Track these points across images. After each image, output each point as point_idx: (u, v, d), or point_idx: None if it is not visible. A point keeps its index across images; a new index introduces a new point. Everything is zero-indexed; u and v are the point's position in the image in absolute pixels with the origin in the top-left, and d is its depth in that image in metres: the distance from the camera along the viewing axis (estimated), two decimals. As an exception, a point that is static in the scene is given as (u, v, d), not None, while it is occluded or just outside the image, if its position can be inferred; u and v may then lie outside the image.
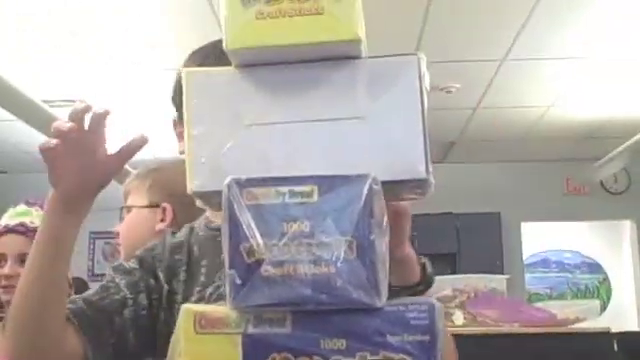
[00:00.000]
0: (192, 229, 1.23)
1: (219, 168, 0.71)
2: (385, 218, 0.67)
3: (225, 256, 0.65)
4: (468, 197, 6.70)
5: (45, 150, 0.88)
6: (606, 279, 8.22)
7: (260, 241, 0.64)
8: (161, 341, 1.10)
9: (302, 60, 0.71)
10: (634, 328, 7.10)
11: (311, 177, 0.65)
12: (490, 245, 6.72)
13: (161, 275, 1.16)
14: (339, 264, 0.63)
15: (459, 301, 2.33)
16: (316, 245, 0.64)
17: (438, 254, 5.36)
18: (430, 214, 5.87)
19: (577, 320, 2.03)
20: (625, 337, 4.29)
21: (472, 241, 6.60)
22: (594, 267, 8.25)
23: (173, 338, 0.69)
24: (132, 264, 1.16)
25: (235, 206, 0.65)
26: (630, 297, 7.72)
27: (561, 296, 8.24)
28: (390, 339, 0.65)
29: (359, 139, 0.70)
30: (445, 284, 2.26)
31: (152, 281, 1.15)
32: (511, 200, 6.88)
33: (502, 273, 6.64)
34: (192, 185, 0.72)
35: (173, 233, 1.24)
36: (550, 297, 8.25)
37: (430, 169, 0.70)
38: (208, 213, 1.23)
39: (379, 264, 0.64)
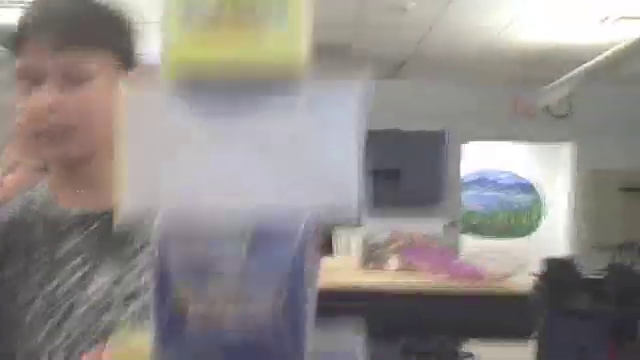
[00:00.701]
0: (30, 202, 1.16)
1: (149, 193, 0.67)
2: (316, 266, 0.65)
3: (152, 303, 0.62)
4: (415, 115, 6.74)
5: None
6: (538, 201, 8.49)
7: (187, 294, 0.61)
8: None
9: (241, 82, 0.66)
10: (563, 252, 7.37)
11: (242, 232, 0.62)
12: (433, 163, 6.82)
13: None
14: (266, 319, 0.61)
15: (396, 246, 2.36)
16: (243, 300, 0.61)
17: (382, 170, 5.43)
18: (377, 130, 5.88)
19: (504, 276, 2.08)
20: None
21: (416, 158, 6.69)
22: (527, 188, 8.51)
23: None
24: None
25: (165, 258, 0.62)
26: (562, 218, 7.99)
27: (494, 215, 8.52)
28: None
29: (293, 171, 0.66)
30: (384, 230, 2.29)
31: None
32: (457, 120, 6.95)
33: (442, 190, 6.81)
34: (122, 205, 0.68)
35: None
36: (484, 215, 8.51)
37: (362, 210, 0.67)
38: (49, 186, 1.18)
39: (307, 321, 0.62)
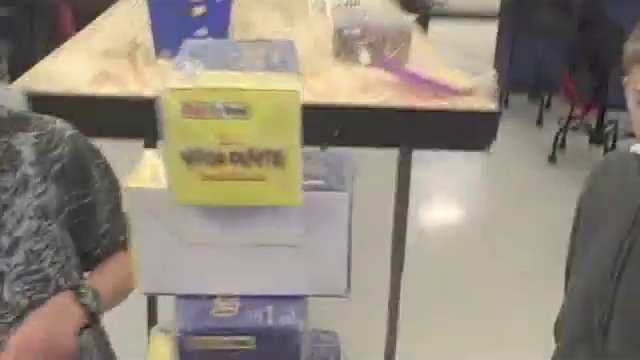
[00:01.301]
0: None
1: (162, 279, 0.78)
2: (309, 343, 0.78)
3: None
4: None
5: None
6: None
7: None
8: None
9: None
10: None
11: (251, 328, 0.75)
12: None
13: None
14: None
15: (368, 42, 2.40)
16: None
17: None
18: None
19: (469, 92, 2.16)
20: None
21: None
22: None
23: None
24: None
25: (185, 350, 0.75)
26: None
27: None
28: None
29: (291, 264, 0.78)
30: (353, 22, 2.31)
31: None
32: None
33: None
34: (140, 286, 0.80)
35: None
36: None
37: (349, 286, 0.80)
38: None
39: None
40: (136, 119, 2.16)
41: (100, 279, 1.34)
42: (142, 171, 0.80)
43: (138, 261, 0.79)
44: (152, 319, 2.68)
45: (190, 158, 0.70)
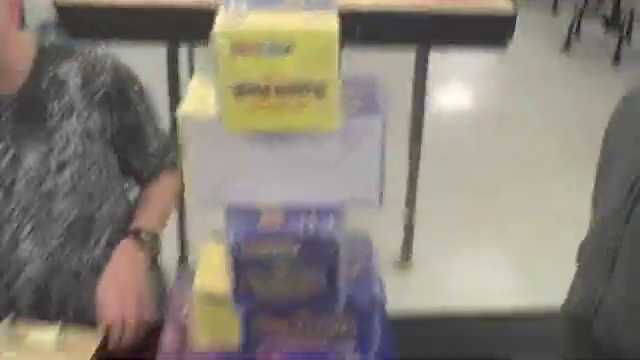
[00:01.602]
0: None
1: (219, 195, 0.89)
2: (345, 249, 0.89)
3: (229, 283, 0.88)
4: None
5: None
6: None
7: (254, 277, 0.87)
8: None
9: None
10: None
11: (295, 237, 0.85)
12: None
13: None
14: (311, 291, 0.88)
15: None
16: (295, 280, 0.87)
17: None
18: None
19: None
20: None
21: None
22: None
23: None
24: None
25: (238, 256, 0.86)
26: None
27: None
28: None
29: (330, 180, 0.88)
30: None
31: None
32: None
33: None
34: (197, 200, 0.90)
35: None
36: None
37: (382, 199, 0.90)
38: None
39: (341, 289, 0.89)
40: (158, 25, 2.23)
41: (150, 214, 1.49)
42: (192, 98, 0.89)
43: (194, 181, 0.89)
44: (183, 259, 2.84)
45: (239, 91, 0.79)
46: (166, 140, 1.51)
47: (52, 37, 1.38)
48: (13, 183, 1.33)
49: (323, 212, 0.88)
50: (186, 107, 0.87)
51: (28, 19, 1.48)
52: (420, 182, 2.97)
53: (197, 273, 0.97)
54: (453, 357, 1.33)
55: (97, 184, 1.40)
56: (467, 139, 4.09)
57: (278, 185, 0.88)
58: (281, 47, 0.77)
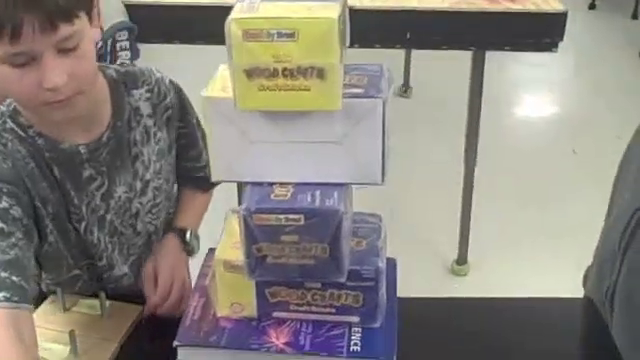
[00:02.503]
0: (29, 148, 1.30)
1: (232, 169, 0.98)
2: (350, 223, 0.97)
3: (243, 251, 0.97)
4: None
5: None
6: None
7: (265, 245, 0.95)
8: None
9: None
10: None
11: (301, 209, 0.93)
12: None
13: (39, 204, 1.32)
14: (317, 260, 0.96)
15: None
16: (302, 248, 0.95)
17: None
18: None
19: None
20: None
21: None
22: None
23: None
24: (7, 201, 1.21)
25: (250, 225, 0.94)
26: None
27: None
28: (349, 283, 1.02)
29: (336, 157, 0.96)
30: None
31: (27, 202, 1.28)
32: None
33: None
34: (215, 175, 0.99)
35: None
36: None
37: (384, 177, 0.97)
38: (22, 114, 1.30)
39: (344, 259, 0.97)
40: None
41: (194, 215, 1.63)
42: (216, 82, 0.98)
43: (212, 156, 0.98)
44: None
45: (250, 73, 0.88)
46: None
47: (110, 70, 1.42)
48: (106, 212, 1.43)
49: (329, 187, 0.96)
50: (208, 90, 0.96)
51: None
52: (490, 187, 2.97)
53: (219, 243, 1.06)
54: (455, 336, 1.36)
55: (168, 196, 1.53)
56: (540, 145, 4.05)
57: (286, 162, 0.97)
58: (287, 33, 0.85)
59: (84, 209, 1.39)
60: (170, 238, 1.54)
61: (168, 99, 1.44)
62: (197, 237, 1.59)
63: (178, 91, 1.48)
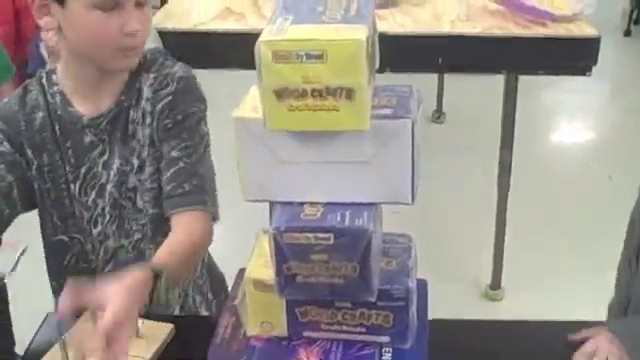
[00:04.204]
0: (46, 100, 1.50)
1: (264, 190, 0.99)
2: (379, 243, 0.97)
3: (273, 270, 0.98)
4: None
5: None
6: None
7: (295, 263, 0.96)
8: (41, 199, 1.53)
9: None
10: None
11: (330, 228, 0.94)
12: None
13: (29, 152, 1.49)
14: (347, 279, 0.97)
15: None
16: (332, 267, 0.96)
17: None
18: None
19: (571, 18, 2.22)
20: None
21: None
22: None
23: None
24: None
25: (279, 244, 0.95)
26: None
27: None
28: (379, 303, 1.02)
29: (365, 177, 0.97)
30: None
31: (19, 158, 1.48)
32: None
33: None
34: (245, 194, 1.01)
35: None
36: None
37: (414, 197, 0.98)
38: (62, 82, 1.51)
39: (374, 278, 0.97)
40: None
41: (177, 260, 1.36)
42: (247, 102, 1.00)
43: (243, 176, 1.00)
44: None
45: (279, 94, 0.89)
46: (208, 181, 1.50)
47: None
48: (107, 182, 1.50)
49: (359, 207, 0.97)
50: (239, 110, 0.98)
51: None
52: (523, 213, 2.94)
53: (249, 262, 1.07)
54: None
55: (159, 186, 1.52)
56: (575, 171, 4.03)
57: (316, 182, 0.98)
58: (315, 55, 0.87)
59: (82, 171, 1.50)
60: (143, 275, 1.23)
61: (166, 90, 1.50)
62: (169, 281, 1.29)
63: (181, 90, 1.50)
